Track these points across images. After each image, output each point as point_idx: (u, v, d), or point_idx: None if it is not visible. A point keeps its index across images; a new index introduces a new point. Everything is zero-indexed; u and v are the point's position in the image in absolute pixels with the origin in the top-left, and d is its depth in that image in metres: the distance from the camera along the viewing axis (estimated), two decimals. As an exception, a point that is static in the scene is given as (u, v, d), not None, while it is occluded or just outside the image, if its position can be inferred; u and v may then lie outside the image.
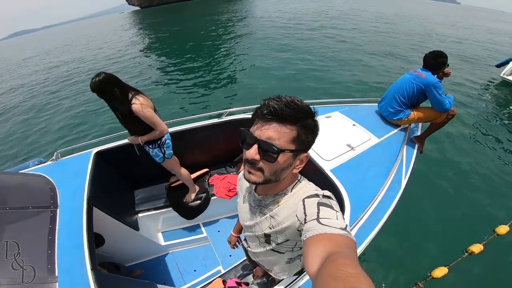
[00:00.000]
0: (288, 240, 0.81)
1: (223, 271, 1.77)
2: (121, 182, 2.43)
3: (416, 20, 17.83)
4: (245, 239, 1.11)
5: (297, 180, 0.81)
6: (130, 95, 1.77)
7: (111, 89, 1.69)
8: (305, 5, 22.89)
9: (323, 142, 2.00)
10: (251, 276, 1.64)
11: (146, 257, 2.38)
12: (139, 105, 1.76)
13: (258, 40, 11.78)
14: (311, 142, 0.71)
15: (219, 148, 2.72)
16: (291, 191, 0.79)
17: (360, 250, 1.48)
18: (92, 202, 1.65)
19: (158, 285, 1.78)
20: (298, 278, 1.18)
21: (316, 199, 0.69)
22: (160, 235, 2.50)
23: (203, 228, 2.58)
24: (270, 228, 0.82)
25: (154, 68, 9.55)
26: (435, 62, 2.27)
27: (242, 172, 0.86)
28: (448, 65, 2.33)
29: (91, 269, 1.26)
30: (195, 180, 2.55)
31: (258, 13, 20.93)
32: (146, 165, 2.34)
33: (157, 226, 2.52)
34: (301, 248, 0.85)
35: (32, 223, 1.36)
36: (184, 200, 2.42)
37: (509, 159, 4.26)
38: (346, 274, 0.41)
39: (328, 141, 2.18)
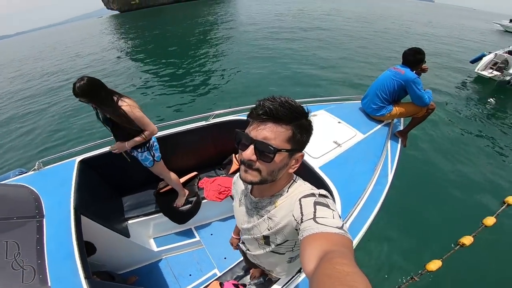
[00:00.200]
0: (287, 240, 0.81)
1: (219, 274, 1.76)
2: (108, 190, 2.37)
3: (393, 18, 18.42)
4: (242, 242, 1.10)
5: (292, 180, 0.81)
6: (116, 98, 1.73)
7: (97, 93, 1.64)
8: (287, 6, 23.08)
9: (310, 140, 2.02)
10: (248, 277, 1.64)
11: (139, 263, 2.34)
12: (128, 106, 1.73)
13: (240, 42, 11.80)
14: (306, 141, 0.72)
15: (207, 151, 2.70)
16: (287, 192, 0.79)
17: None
18: (80, 210, 1.61)
19: None
20: (295, 277, 1.19)
21: (312, 199, 0.70)
22: (152, 241, 2.46)
23: (195, 232, 2.56)
24: (269, 230, 0.82)
25: (134, 74, 9.29)
26: (414, 58, 2.36)
27: (237, 174, 0.85)
28: (425, 61, 2.43)
29: (85, 278, 1.23)
30: (184, 184, 2.53)
31: (239, 15, 20.95)
32: (133, 172, 2.31)
33: (148, 232, 2.48)
34: None
35: (17, 234, 1.31)
36: (175, 205, 2.39)
37: (488, 151, 4.47)
38: (342, 273, 0.41)
39: (315, 139, 2.22)
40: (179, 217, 2.42)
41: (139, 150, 1.96)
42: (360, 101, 2.80)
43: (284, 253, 0.89)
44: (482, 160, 4.26)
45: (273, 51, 9.84)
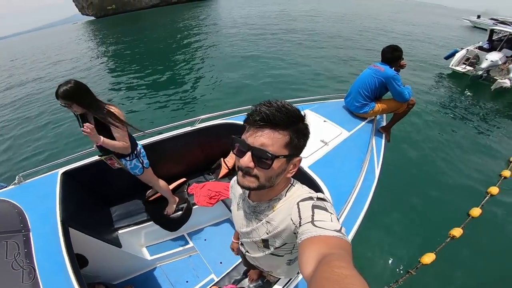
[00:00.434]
0: (285, 243, 0.81)
1: (216, 279, 1.75)
2: (95, 200, 2.31)
3: (371, 18, 18.94)
4: (241, 244, 1.11)
5: (290, 184, 0.82)
6: (102, 105, 1.70)
7: (84, 96, 1.61)
8: (267, 8, 23.22)
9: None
10: (246, 280, 1.63)
11: (133, 273, 2.29)
12: (117, 109, 1.71)
13: (222, 45, 11.69)
14: (303, 145, 0.72)
15: (194, 156, 2.68)
16: (285, 196, 0.79)
17: None
18: (67, 222, 1.57)
19: None
20: (294, 279, 1.21)
21: (310, 202, 0.70)
22: (145, 250, 2.41)
23: (188, 238, 2.54)
24: (267, 233, 0.82)
25: (114, 81, 8.89)
26: (392, 55, 2.45)
27: (235, 178, 0.85)
28: (403, 58, 2.53)
29: None
30: (173, 191, 2.49)
31: (220, 18, 20.87)
32: (119, 181, 2.27)
33: (140, 241, 2.43)
34: None
35: (3, 249, 1.26)
36: (165, 213, 2.35)
37: (466, 143, 4.67)
38: (340, 275, 0.41)
39: None
40: (171, 224, 2.38)
41: (127, 158, 1.92)
42: (343, 100, 2.87)
43: (283, 256, 0.89)
44: (464, 151, 4.43)
45: (256, 53, 9.84)
